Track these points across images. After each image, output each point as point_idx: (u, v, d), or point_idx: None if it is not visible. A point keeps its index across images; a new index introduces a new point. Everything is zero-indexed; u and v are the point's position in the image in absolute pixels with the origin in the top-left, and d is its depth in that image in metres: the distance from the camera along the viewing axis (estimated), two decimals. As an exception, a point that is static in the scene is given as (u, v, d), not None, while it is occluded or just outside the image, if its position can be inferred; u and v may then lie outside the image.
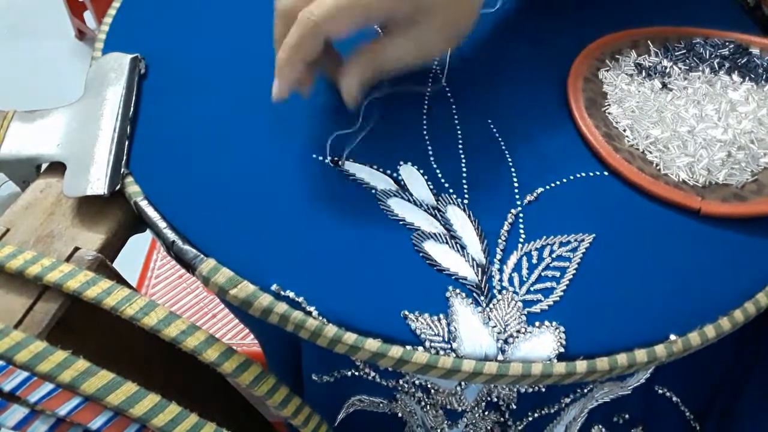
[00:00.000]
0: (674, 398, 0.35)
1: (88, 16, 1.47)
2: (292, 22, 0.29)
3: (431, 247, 0.29)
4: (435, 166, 0.32)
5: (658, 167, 0.33)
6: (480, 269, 0.28)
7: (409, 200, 0.30)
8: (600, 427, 0.34)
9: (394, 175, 0.32)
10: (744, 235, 0.30)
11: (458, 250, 0.29)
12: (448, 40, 0.32)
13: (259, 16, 0.40)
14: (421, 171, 0.32)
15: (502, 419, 0.31)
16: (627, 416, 0.34)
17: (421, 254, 0.28)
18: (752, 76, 0.36)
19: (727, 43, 0.38)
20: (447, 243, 0.29)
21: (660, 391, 0.34)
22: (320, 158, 0.32)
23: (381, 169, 0.32)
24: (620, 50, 0.39)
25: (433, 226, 0.29)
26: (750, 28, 0.41)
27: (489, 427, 0.32)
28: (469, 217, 0.30)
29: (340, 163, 0.32)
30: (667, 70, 0.37)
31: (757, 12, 0.45)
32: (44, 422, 0.24)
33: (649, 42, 0.39)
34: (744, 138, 0.33)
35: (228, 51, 0.37)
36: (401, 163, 0.32)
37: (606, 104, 0.36)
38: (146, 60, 0.36)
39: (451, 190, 0.31)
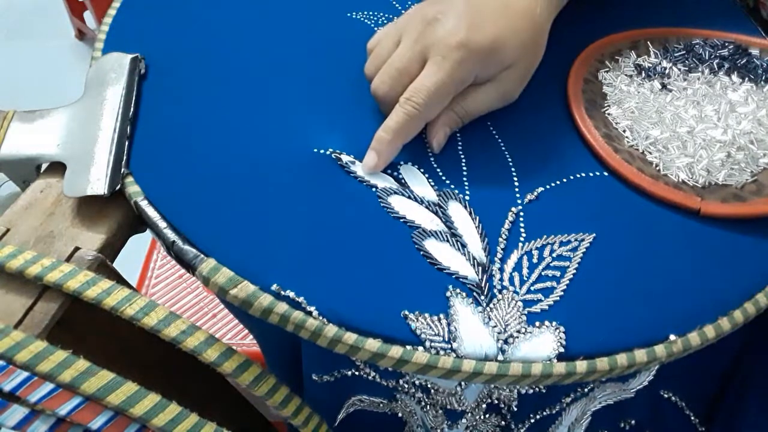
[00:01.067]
0: (680, 403, 0.35)
1: (88, 16, 1.47)
2: (388, 102, 0.32)
3: (432, 246, 0.29)
4: (435, 165, 0.32)
5: (657, 168, 0.33)
6: (480, 268, 0.28)
7: (410, 197, 0.30)
8: None
9: (395, 174, 0.32)
10: (743, 235, 0.30)
11: (459, 249, 0.29)
12: (524, 82, 0.35)
13: (258, 17, 0.40)
14: (422, 170, 0.32)
15: (503, 422, 0.31)
16: (633, 422, 0.34)
17: (421, 253, 0.28)
18: (752, 76, 0.37)
19: (726, 44, 0.39)
20: (448, 241, 0.29)
21: (666, 396, 0.34)
22: (321, 151, 0.32)
23: (382, 169, 0.32)
24: (620, 51, 0.39)
25: (434, 223, 0.29)
26: (749, 29, 0.41)
27: (491, 431, 0.32)
28: (470, 214, 0.30)
29: (337, 157, 0.32)
30: (667, 71, 0.37)
31: (756, 14, 0.45)
32: (44, 422, 0.24)
33: (648, 43, 0.39)
34: (743, 138, 0.33)
35: (228, 51, 0.37)
36: (402, 163, 0.32)
37: (606, 105, 0.36)
38: (146, 60, 0.36)
39: (452, 186, 0.31)
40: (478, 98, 0.33)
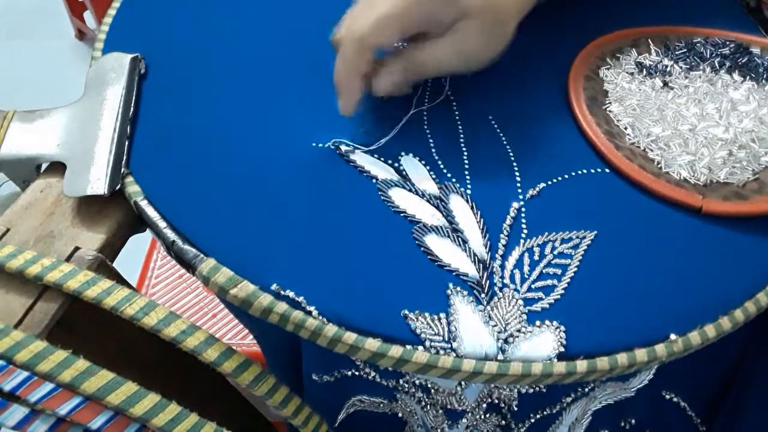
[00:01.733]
0: (681, 403, 0.35)
1: (88, 16, 1.47)
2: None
3: (432, 242, 0.29)
4: (437, 158, 0.32)
5: (659, 165, 0.32)
6: (481, 265, 0.28)
7: (410, 190, 0.30)
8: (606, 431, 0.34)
9: (396, 165, 0.32)
10: (745, 234, 0.30)
11: (460, 245, 0.29)
12: (489, 45, 0.32)
13: (258, 16, 0.40)
14: (423, 162, 0.32)
15: (503, 422, 0.31)
16: (633, 421, 0.34)
17: (422, 249, 0.28)
18: (753, 75, 0.36)
19: (727, 43, 0.38)
20: (449, 237, 0.29)
21: (667, 396, 0.34)
22: (320, 145, 0.32)
23: (382, 159, 0.32)
24: (621, 49, 0.39)
25: (435, 218, 0.29)
26: (750, 27, 0.41)
27: (491, 430, 0.32)
28: (472, 208, 0.30)
29: (337, 148, 0.32)
30: (668, 69, 0.37)
31: (758, 14, 0.45)
32: (44, 422, 0.24)
33: (649, 41, 0.39)
34: (745, 137, 0.33)
35: (227, 50, 0.37)
36: (403, 154, 0.32)
37: (607, 102, 0.36)
38: (146, 60, 0.36)
39: (453, 180, 0.31)
40: (433, 51, 0.31)
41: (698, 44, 0.38)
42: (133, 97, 0.34)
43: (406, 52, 0.31)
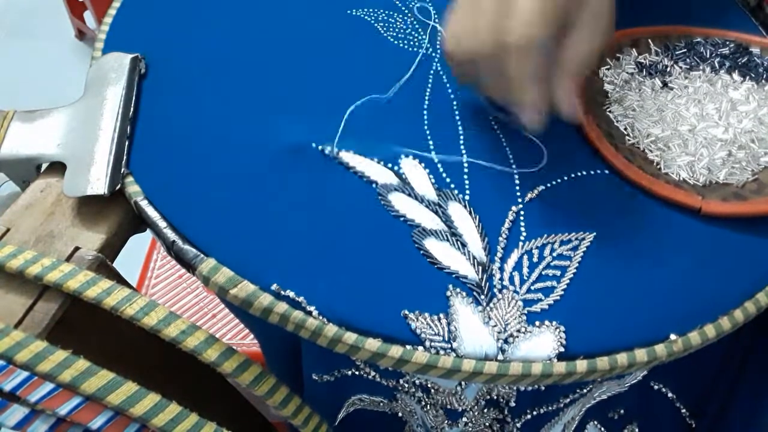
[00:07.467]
0: (670, 394, 0.35)
1: (88, 16, 1.47)
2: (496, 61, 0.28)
3: (432, 245, 0.29)
4: (436, 161, 0.32)
5: (658, 166, 0.32)
6: (480, 267, 0.28)
7: (410, 195, 0.30)
8: (595, 423, 0.34)
9: (396, 168, 0.32)
10: (744, 234, 0.30)
11: (459, 248, 0.29)
12: (612, 22, 0.29)
13: (258, 16, 0.40)
14: (423, 165, 0.32)
15: (501, 416, 0.31)
16: (622, 412, 0.34)
17: (421, 252, 0.28)
18: (753, 75, 0.36)
19: (727, 43, 0.38)
20: (448, 240, 0.29)
21: (656, 387, 0.34)
22: (319, 147, 0.32)
23: (382, 162, 0.32)
24: (621, 49, 0.39)
25: (434, 222, 0.29)
26: (750, 27, 0.41)
27: (488, 424, 0.32)
28: (470, 213, 0.30)
29: (337, 152, 0.32)
30: (668, 69, 0.37)
31: (759, 12, 0.45)
32: (44, 422, 0.24)
33: (649, 41, 0.39)
34: (744, 137, 0.33)
35: (227, 50, 0.37)
36: (402, 156, 0.32)
37: (607, 103, 0.36)
38: (146, 60, 0.36)
39: (452, 186, 0.31)
40: (586, 43, 0.28)
41: (698, 44, 0.38)
42: (133, 97, 0.34)
43: (566, 56, 0.28)
